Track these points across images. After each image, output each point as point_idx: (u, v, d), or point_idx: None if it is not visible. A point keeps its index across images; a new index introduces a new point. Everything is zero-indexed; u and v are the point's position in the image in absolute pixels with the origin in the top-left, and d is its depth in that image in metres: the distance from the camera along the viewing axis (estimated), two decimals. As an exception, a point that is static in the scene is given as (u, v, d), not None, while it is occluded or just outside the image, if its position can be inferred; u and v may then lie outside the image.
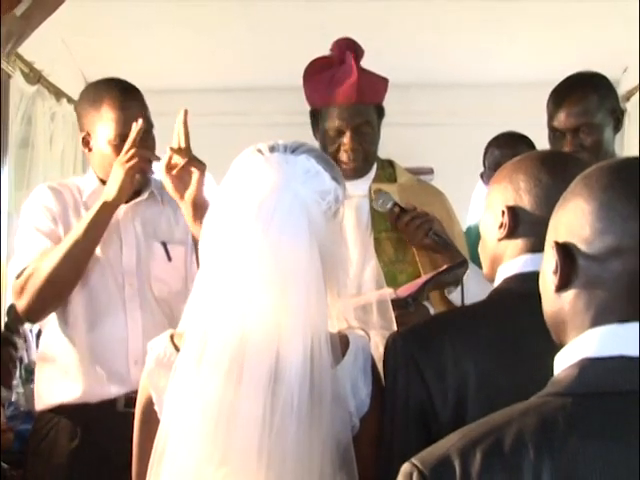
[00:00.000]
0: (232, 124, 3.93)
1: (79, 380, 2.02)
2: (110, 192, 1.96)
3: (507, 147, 2.69)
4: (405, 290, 1.77)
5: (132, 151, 1.94)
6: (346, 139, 2.07)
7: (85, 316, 2.03)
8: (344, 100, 2.07)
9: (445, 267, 1.84)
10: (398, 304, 1.67)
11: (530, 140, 2.71)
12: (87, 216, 1.98)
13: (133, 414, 1.36)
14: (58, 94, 3.70)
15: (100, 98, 2.03)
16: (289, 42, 3.41)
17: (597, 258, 0.86)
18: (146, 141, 2.02)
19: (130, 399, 1.90)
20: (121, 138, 2.00)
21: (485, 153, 2.81)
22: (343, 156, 2.09)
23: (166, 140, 2.12)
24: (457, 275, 1.82)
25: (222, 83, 4.07)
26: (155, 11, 3.34)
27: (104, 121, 2.02)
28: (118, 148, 2.00)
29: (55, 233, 2.04)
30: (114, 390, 2.01)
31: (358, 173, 2.12)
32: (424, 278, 1.83)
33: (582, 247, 0.87)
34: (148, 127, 2.03)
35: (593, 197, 0.88)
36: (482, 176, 2.89)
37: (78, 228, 1.97)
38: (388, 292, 1.68)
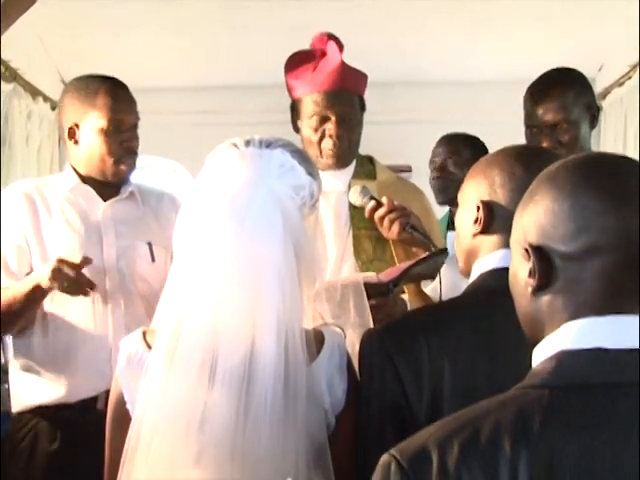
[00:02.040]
0: (212, 123, 3.89)
1: (58, 379, 1.99)
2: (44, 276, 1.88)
3: (445, 148, 2.70)
4: (387, 275, 1.76)
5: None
6: (331, 124, 2.04)
7: (64, 313, 2.01)
8: (329, 86, 2.05)
9: (426, 254, 1.83)
10: (379, 289, 1.66)
11: (475, 141, 2.70)
12: (18, 288, 1.93)
13: None
14: (34, 93, 3.66)
15: (94, 87, 2.05)
16: (269, 41, 3.39)
17: (574, 258, 0.86)
18: (134, 134, 2.09)
19: None
20: (114, 125, 2.03)
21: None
22: (328, 143, 2.06)
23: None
24: (437, 263, 1.81)
25: (201, 81, 4.04)
26: (133, 10, 3.31)
27: (97, 108, 2.03)
28: (108, 137, 2.02)
29: (23, 254, 2.03)
30: (95, 387, 1.98)
31: (341, 162, 2.09)
32: (406, 264, 1.82)
33: (558, 248, 0.87)
34: (136, 121, 2.09)
35: (563, 197, 0.87)
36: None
37: (10, 294, 1.93)
38: (370, 275, 1.69)
